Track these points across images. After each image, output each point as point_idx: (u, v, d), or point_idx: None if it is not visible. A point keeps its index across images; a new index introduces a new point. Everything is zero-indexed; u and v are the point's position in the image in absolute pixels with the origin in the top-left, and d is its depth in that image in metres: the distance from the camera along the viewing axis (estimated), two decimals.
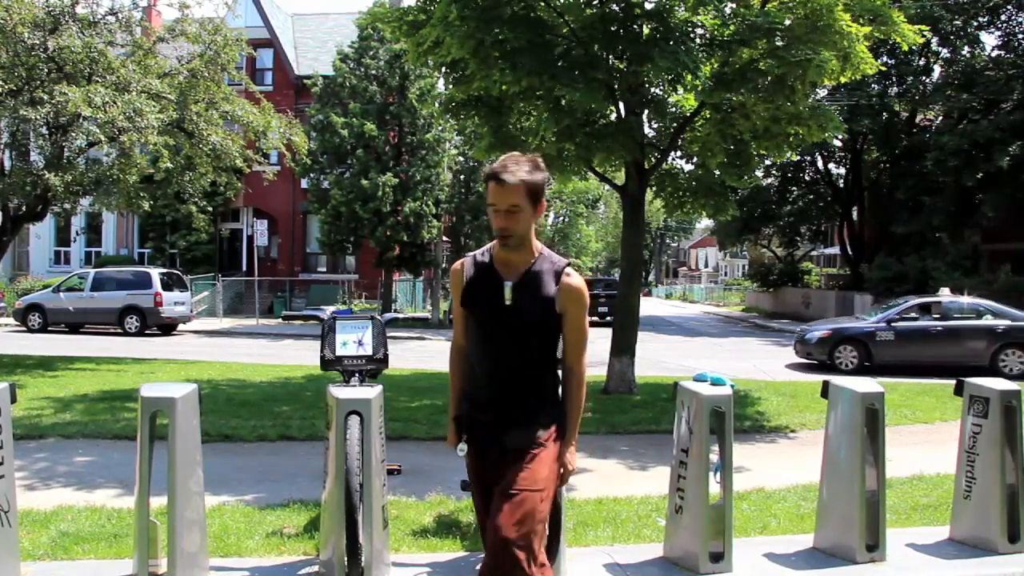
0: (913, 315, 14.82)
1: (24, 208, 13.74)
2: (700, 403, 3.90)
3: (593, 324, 20.76)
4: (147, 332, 20.05)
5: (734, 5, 8.73)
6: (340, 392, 3.61)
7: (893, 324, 14.66)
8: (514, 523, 2.56)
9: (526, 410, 2.76)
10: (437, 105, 10.90)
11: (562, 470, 2.78)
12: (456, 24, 8.06)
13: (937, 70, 27.11)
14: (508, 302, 2.74)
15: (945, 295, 15.59)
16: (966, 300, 15.34)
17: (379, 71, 24.39)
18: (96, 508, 4.82)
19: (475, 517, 4.69)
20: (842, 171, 31.33)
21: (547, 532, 3.56)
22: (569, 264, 2.87)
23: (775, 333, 25.52)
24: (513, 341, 2.77)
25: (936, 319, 14.64)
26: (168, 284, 20.47)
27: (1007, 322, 14.07)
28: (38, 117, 12.38)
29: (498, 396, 2.76)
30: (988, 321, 14.22)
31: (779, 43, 8.36)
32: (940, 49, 26.17)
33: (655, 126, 11.01)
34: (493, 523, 2.60)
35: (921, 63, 26.16)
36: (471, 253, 2.90)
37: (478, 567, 3.96)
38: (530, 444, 2.69)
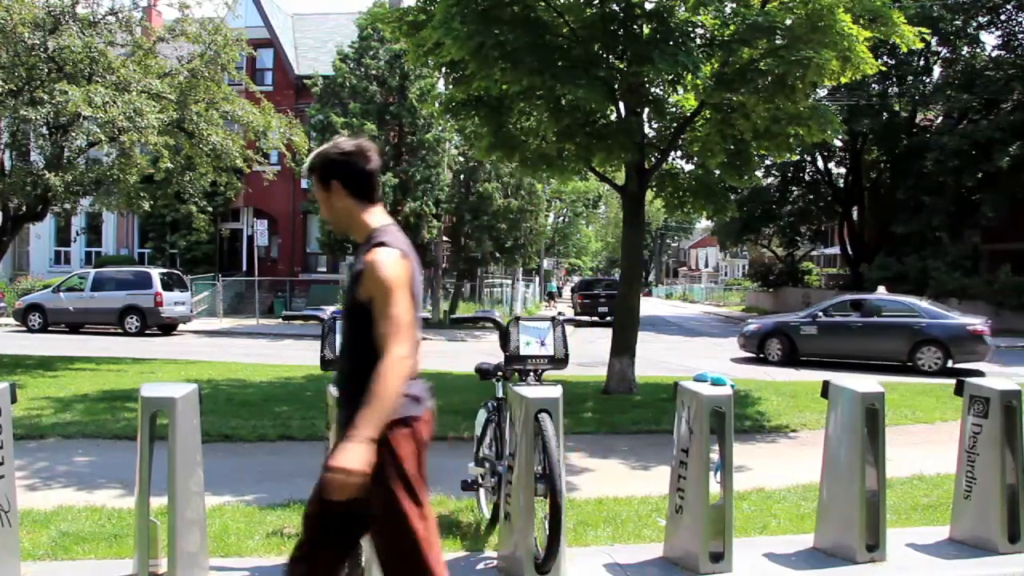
0: (842, 311, 15.46)
1: (24, 208, 13.74)
2: (700, 403, 3.90)
3: (593, 324, 20.73)
4: (147, 332, 20.05)
5: (734, 5, 8.73)
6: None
7: (817, 319, 15.36)
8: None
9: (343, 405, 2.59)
10: (437, 105, 10.88)
11: (328, 471, 2.29)
12: (457, 25, 8.06)
13: (937, 70, 27.12)
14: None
15: (881, 293, 16.47)
16: (898, 298, 16.01)
17: (379, 71, 24.39)
18: (96, 508, 4.82)
19: (475, 516, 4.72)
20: (842, 171, 31.34)
21: (547, 531, 3.57)
22: (384, 242, 2.48)
23: None
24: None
25: (860, 315, 15.17)
26: (168, 284, 20.47)
27: (926, 320, 14.45)
28: (38, 117, 12.38)
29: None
30: (908, 319, 14.63)
31: (779, 43, 8.36)
32: (940, 49, 26.18)
33: (655, 126, 11.01)
34: None
35: (921, 63, 26.17)
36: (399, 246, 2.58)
37: (478, 567, 3.97)
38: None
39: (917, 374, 13.75)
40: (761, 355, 15.49)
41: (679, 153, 11.21)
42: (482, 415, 4.72)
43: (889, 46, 15.66)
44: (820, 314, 15.52)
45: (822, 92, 21.42)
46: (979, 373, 13.50)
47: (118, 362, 13.10)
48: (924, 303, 15.31)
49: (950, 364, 14.08)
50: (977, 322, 14.31)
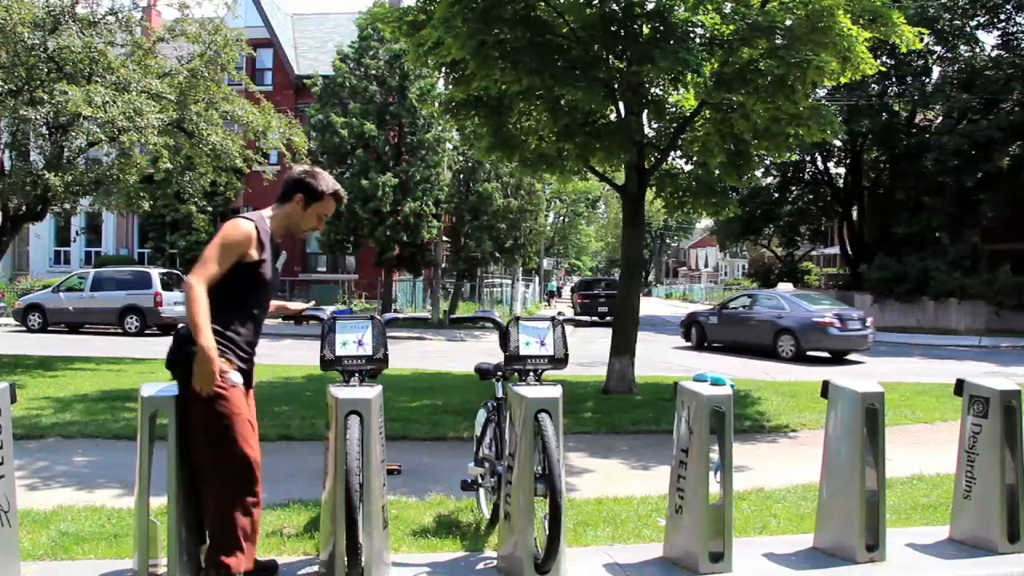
0: (739, 305, 18.42)
1: (24, 208, 13.73)
2: (700, 403, 3.89)
3: (593, 324, 20.83)
4: (147, 332, 20.05)
5: (734, 4, 8.73)
6: (340, 392, 3.61)
7: (721, 311, 18.63)
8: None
9: None
10: (437, 105, 10.88)
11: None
12: (457, 24, 8.06)
13: (937, 70, 27.11)
14: (277, 267, 3.60)
15: (783, 289, 19.58)
16: (772, 291, 19.22)
17: (379, 71, 24.39)
18: (96, 508, 4.82)
19: (475, 516, 4.72)
20: (842, 171, 31.33)
21: (546, 531, 3.57)
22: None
23: None
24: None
25: (749, 308, 17.83)
26: (168, 284, 20.48)
27: (784, 312, 16.76)
28: (38, 117, 12.38)
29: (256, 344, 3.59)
30: (772, 311, 17.05)
31: (779, 43, 8.36)
32: (939, 49, 26.17)
33: (655, 126, 11.01)
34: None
35: (921, 63, 26.17)
36: (255, 217, 3.54)
37: (478, 567, 3.97)
38: None
39: (779, 359, 15.99)
40: (687, 340, 19.03)
41: (679, 153, 11.22)
42: (482, 415, 4.72)
43: (889, 46, 15.66)
44: (722, 307, 18.91)
45: (822, 92, 21.46)
46: (851, 362, 16.14)
47: (118, 362, 13.10)
48: (790, 295, 17.77)
49: (805, 352, 16.06)
50: (827, 315, 16.12)
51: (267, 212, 3.62)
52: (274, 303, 3.90)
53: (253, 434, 3.41)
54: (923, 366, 15.25)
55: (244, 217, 3.49)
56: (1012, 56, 25.55)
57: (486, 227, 26.17)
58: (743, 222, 30.22)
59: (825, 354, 16.46)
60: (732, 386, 4.01)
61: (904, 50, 10.05)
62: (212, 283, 3.29)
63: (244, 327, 3.46)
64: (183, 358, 3.28)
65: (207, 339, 3.19)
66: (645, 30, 8.61)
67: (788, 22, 8.29)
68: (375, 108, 24.12)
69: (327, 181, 3.60)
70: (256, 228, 3.44)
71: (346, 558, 3.51)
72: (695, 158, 10.94)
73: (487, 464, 4.49)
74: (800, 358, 15.89)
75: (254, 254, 3.41)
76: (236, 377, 3.35)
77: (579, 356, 13.77)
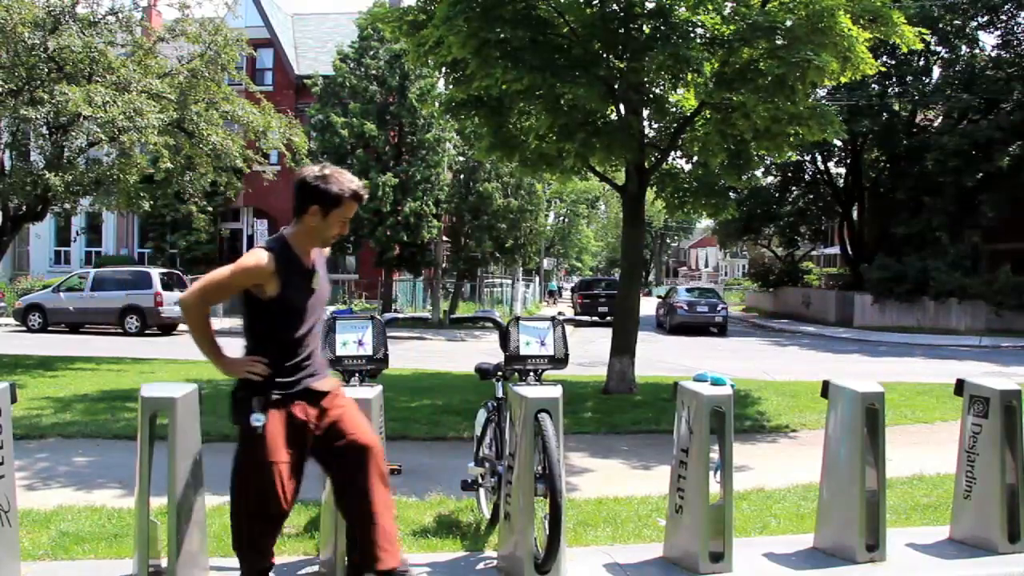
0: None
1: (24, 208, 13.73)
2: (700, 403, 3.89)
3: (593, 324, 20.87)
4: (147, 332, 20.05)
5: (734, 4, 8.73)
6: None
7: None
8: None
9: None
10: (437, 105, 10.89)
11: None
12: (459, 24, 8.06)
13: (937, 70, 27.10)
14: (315, 287, 3.30)
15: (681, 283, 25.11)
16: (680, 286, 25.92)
17: (379, 71, 24.38)
18: (96, 508, 4.82)
19: (475, 516, 4.72)
20: (842, 171, 31.31)
21: (546, 531, 3.57)
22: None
23: (775, 333, 25.53)
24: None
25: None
26: (168, 284, 20.48)
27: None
28: (38, 117, 12.37)
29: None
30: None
31: (779, 43, 8.36)
32: (939, 49, 26.16)
33: (655, 126, 11.01)
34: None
35: (921, 63, 26.15)
36: (276, 245, 3.22)
37: (478, 567, 3.97)
38: None
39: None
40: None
41: (679, 153, 11.21)
42: (482, 415, 4.72)
43: (889, 46, 15.66)
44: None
45: (822, 92, 21.45)
46: (710, 334, 23.59)
47: (118, 362, 13.10)
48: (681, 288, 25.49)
49: None
50: (681, 301, 24.71)
51: (288, 231, 3.26)
52: None
53: (277, 485, 3.16)
54: (923, 366, 15.24)
55: (263, 247, 3.18)
56: (1012, 56, 25.54)
57: (486, 227, 26.15)
58: (743, 222, 30.21)
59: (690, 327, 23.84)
60: (732, 386, 4.01)
61: (904, 50, 10.05)
62: (208, 299, 3.16)
63: (282, 355, 3.22)
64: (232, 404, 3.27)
65: (214, 353, 3.21)
66: (646, 29, 8.61)
67: (788, 22, 8.28)
68: (375, 108, 24.12)
69: (341, 182, 3.18)
70: (275, 259, 3.12)
71: (346, 558, 3.51)
72: (695, 158, 10.93)
73: (487, 464, 4.49)
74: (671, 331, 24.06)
75: (271, 289, 3.12)
76: (259, 419, 3.15)
77: (579, 356, 13.77)
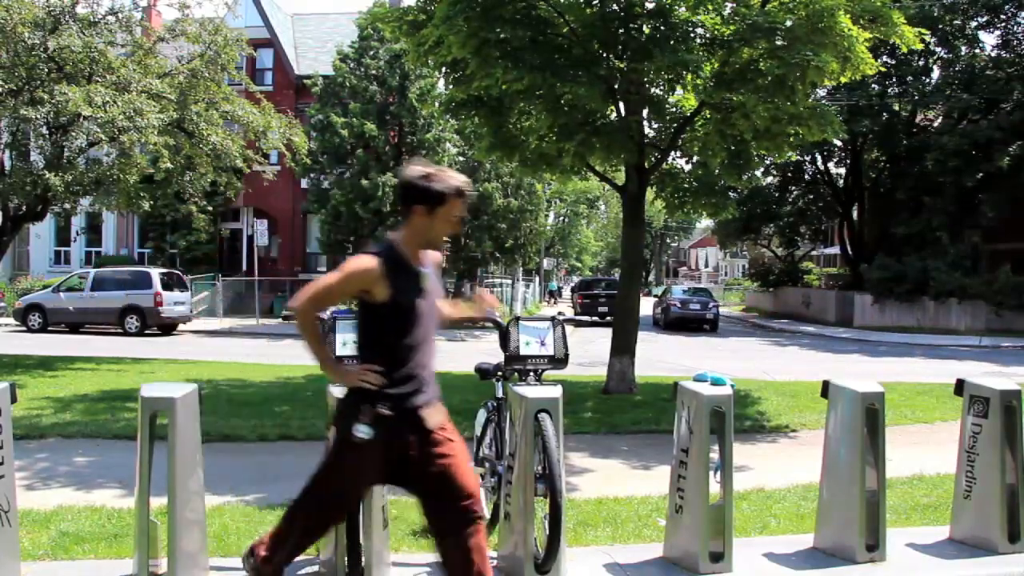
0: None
1: (24, 208, 13.74)
2: (700, 403, 3.89)
3: (593, 324, 20.87)
4: (147, 332, 20.04)
5: (734, 4, 8.74)
6: (340, 392, 3.61)
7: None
8: None
9: None
10: (437, 105, 10.90)
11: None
12: (459, 23, 8.06)
13: (937, 70, 27.10)
14: (425, 287, 3.17)
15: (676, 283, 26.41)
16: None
17: (379, 71, 24.38)
18: (96, 508, 4.82)
19: None
20: (842, 171, 31.32)
21: (546, 531, 3.57)
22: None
23: (775, 333, 25.54)
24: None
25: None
26: (168, 284, 20.47)
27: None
28: (38, 117, 12.38)
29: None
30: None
31: (779, 43, 8.36)
32: (939, 49, 26.16)
33: (655, 126, 11.01)
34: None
35: (921, 63, 26.15)
36: (383, 249, 3.11)
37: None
38: None
39: None
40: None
41: (679, 153, 11.21)
42: (482, 415, 4.72)
43: (889, 46, 15.68)
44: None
45: (822, 92, 21.44)
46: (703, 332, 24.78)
47: (118, 362, 13.10)
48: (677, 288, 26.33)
49: None
50: (675, 300, 26.45)
51: (396, 235, 3.17)
52: None
53: (344, 513, 3.22)
54: (923, 366, 15.24)
55: (369, 251, 3.11)
56: (1012, 56, 25.54)
57: (486, 227, 26.15)
58: (743, 222, 30.23)
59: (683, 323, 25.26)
60: (732, 386, 4.01)
61: (904, 50, 10.05)
62: (319, 305, 3.06)
63: (392, 363, 3.08)
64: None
65: (326, 359, 3.11)
66: (646, 29, 8.61)
67: (788, 23, 8.29)
68: (375, 108, 24.12)
69: (444, 180, 3.09)
70: (382, 262, 3.03)
71: (346, 558, 3.51)
72: (695, 158, 10.93)
73: (487, 464, 4.49)
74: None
75: (380, 293, 3.02)
76: (363, 431, 2.98)
77: (579, 356, 13.76)
